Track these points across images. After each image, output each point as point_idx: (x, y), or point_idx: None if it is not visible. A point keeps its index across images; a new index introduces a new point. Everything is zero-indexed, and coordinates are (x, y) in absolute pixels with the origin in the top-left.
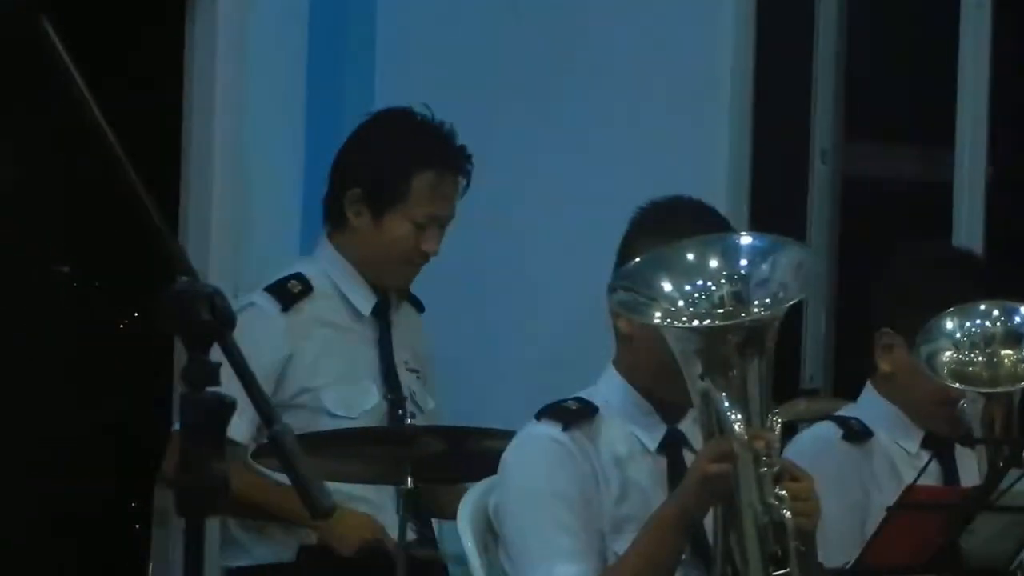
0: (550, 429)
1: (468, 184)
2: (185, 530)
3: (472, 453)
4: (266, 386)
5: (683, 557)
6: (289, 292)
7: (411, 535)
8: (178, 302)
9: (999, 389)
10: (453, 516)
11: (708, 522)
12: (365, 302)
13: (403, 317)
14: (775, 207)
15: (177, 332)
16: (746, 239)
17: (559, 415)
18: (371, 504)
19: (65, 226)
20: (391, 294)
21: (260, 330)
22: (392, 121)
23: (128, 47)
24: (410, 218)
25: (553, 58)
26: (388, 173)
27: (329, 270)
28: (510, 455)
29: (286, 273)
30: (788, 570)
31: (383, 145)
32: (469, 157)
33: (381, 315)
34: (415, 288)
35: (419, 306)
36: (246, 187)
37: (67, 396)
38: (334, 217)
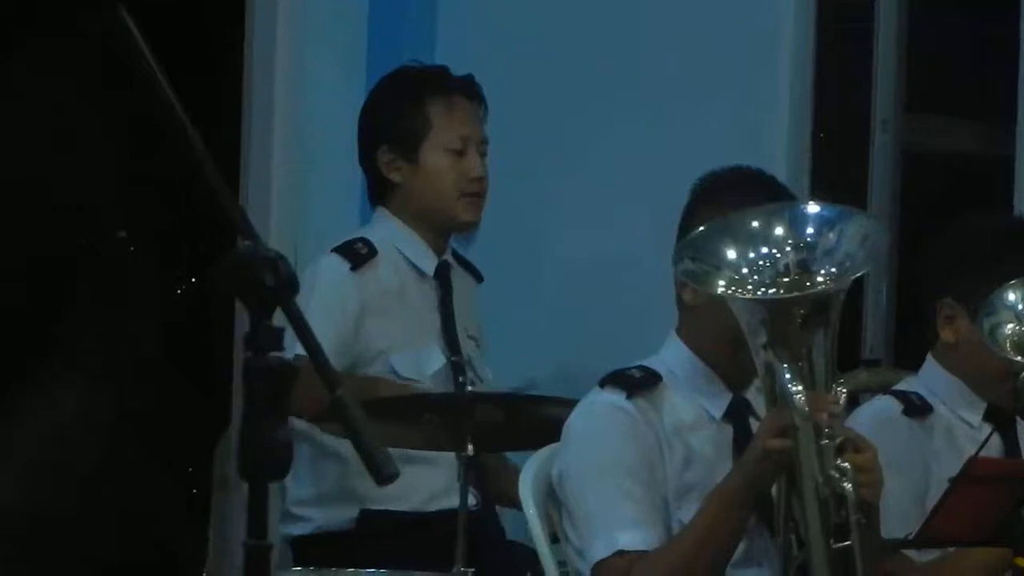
0: (614, 397)
1: (486, 110)
2: (249, 494)
3: (532, 421)
4: (341, 344)
5: (748, 526)
6: (357, 253)
7: (471, 501)
8: (241, 266)
9: None
10: (508, 503)
11: (774, 490)
12: (428, 262)
13: (462, 283)
14: (835, 179)
15: (240, 296)
16: (813, 208)
17: (623, 383)
18: (437, 467)
19: (122, 191)
20: (449, 257)
21: (334, 288)
22: (389, 77)
23: (190, 12)
24: (443, 147)
25: (613, 27)
26: (402, 115)
27: (389, 235)
28: (574, 423)
29: (350, 237)
30: (850, 542)
31: (389, 96)
32: (476, 83)
33: (443, 277)
34: (474, 259)
35: (478, 276)
36: (306, 156)
37: (127, 367)
38: (378, 186)
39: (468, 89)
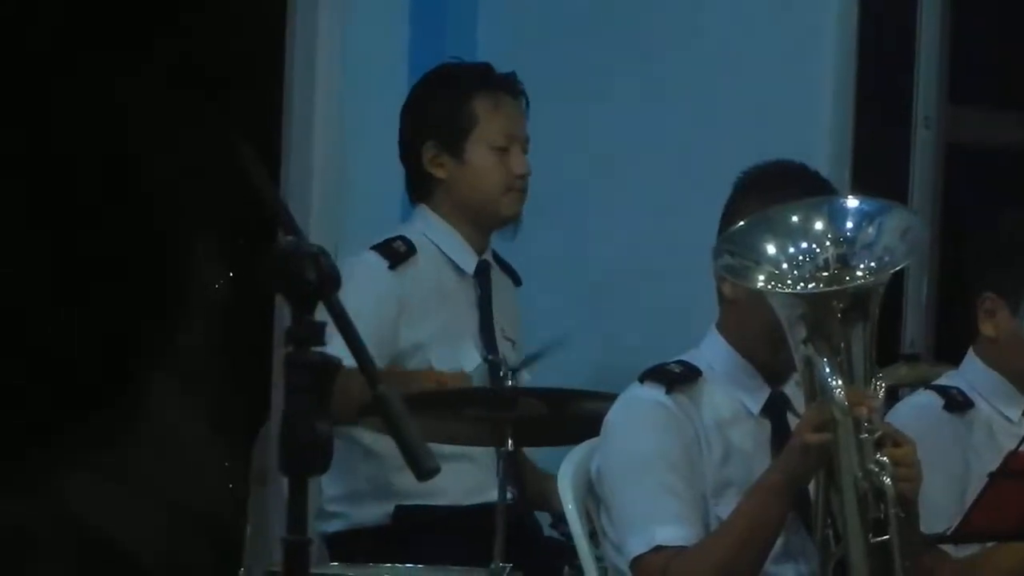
0: (654, 392)
1: (528, 107)
2: (289, 489)
3: (572, 416)
4: (380, 341)
5: (786, 522)
6: (396, 251)
7: (509, 496)
8: (283, 261)
9: None
10: (538, 506)
11: (812, 486)
12: (468, 260)
13: (501, 284)
14: (877, 172)
15: (283, 291)
16: (853, 202)
17: (663, 378)
18: (474, 462)
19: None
20: (489, 257)
21: (372, 285)
22: (433, 73)
23: (232, 8)
24: (488, 143)
25: (656, 18)
26: (449, 111)
27: (429, 232)
28: (613, 417)
29: (389, 235)
30: (888, 536)
31: (434, 92)
32: (519, 81)
33: (483, 276)
34: (514, 262)
35: (516, 279)
36: (347, 153)
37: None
38: (420, 183)
39: (512, 87)
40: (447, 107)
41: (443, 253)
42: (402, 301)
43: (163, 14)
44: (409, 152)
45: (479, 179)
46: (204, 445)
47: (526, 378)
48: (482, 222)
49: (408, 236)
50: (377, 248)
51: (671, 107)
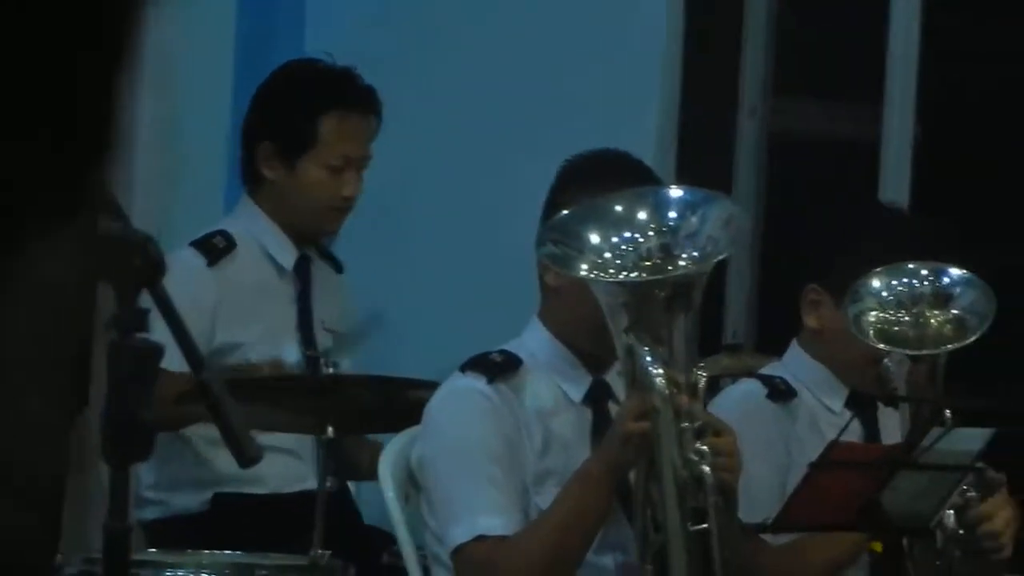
0: (475, 382)
1: (379, 124)
2: (111, 476)
3: (395, 403)
4: (197, 339)
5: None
6: (214, 247)
7: (329, 484)
8: (109, 247)
9: (924, 351)
10: (369, 476)
11: (632, 475)
12: (288, 257)
13: (322, 276)
14: (702, 162)
15: (108, 277)
16: (676, 192)
17: (484, 368)
18: (292, 454)
19: None
20: (311, 251)
21: (188, 283)
22: (293, 71)
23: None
24: (322, 163)
25: (479, 7)
26: (293, 121)
27: (251, 227)
28: (435, 407)
29: (210, 230)
30: (707, 525)
31: (285, 95)
32: (376, 97)
33: (302, 272)
34: (338, 249)
35: (338, 267)
36: (171, 143)
37: None
38: (251, 175)
39: (367, 105)
40: (291, 118)
41: (263, 249)
42: (220, 299)
43: None
44: (246, 141)
45: (305, 194)
46: (29, 427)
47: (345, 366)
48: (299, 231)
49: (229, 230)
50: (196, 244)
51: (495, 97)
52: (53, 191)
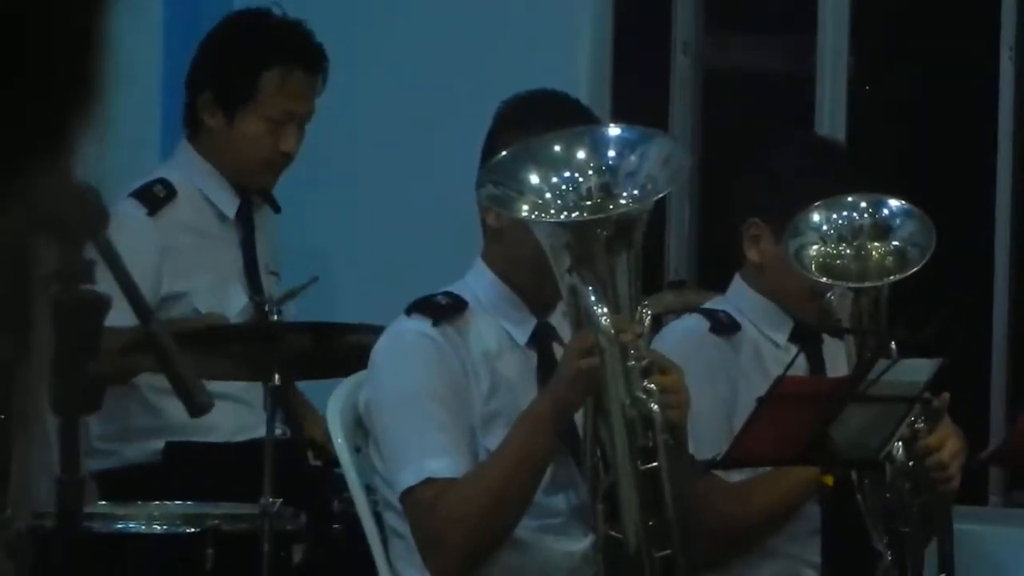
0: (420, 324)
1: (325, 81)
2: (61, 429)
3: (340, 349)
4: (143, 290)
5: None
6: (155, 196)
7: (280, 431)
8: (50, 197)
9: (866, 284)
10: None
11: (579, 416)
12: (229, 204)
13: (263, 219)
14: (637, 100)
15: (51, 229)
16: (614, 130)
17: (429, 310)
18: (239, 401)
19: None
20: (253, 196)
21: (130, 235)
22: (240, 22)
23: None
24: (262, 116)
25: None
26: (235, 73)
27: (191, 174)
28: (380, 350)
29: (149, 178)
30: (657, 463)
31: (230, 46)
32: (322, 54)
33: (245, 217)
34: (279, 193)
35: (276, 207)
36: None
37: None
38: (191, 121)
39: (313, 63)
40: (233, 70)
41: (204, 196)
42: (163, 249)
43: None
44: (189, 87)
45: (243, 146)
46: None
47: (292, 312)
48: (236, 180)
49: (168, 178)
50: (135, 195)
51: (432, 40)
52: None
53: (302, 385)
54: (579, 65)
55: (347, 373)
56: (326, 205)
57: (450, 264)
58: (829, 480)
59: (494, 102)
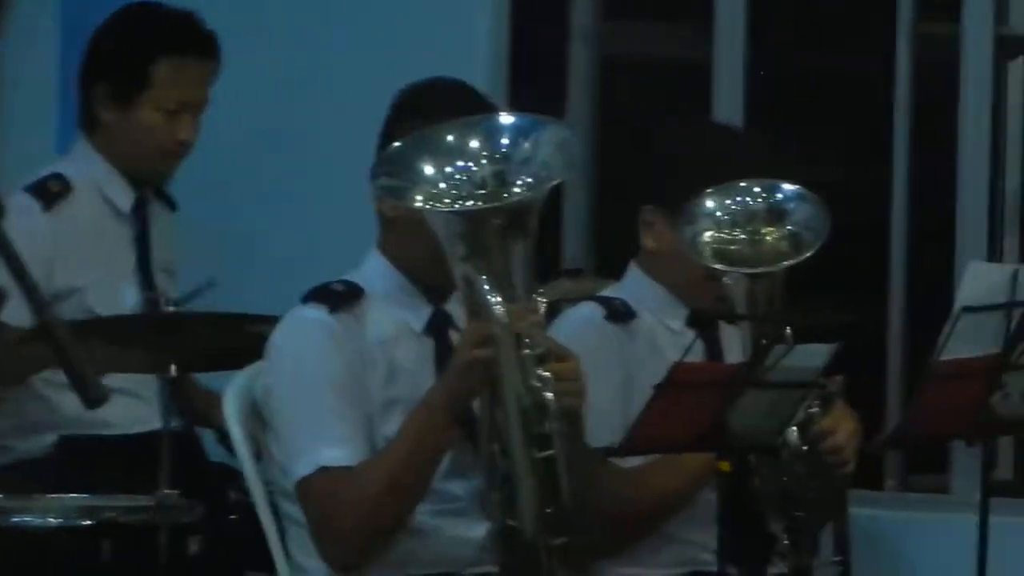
0: (317, 312)
1: (218, 68)
2: None
3: (237, 339)
4: None
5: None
6: (49, 191)
7: (175, 424)
8: None
9: (761, 269)
10: (208, 424)
11: (477, 403)
12: (124, 199)
13: (158, 216)
14: (534, 87)
15: None
16: (507, 119)
17: (326, 297)
18: (136, 396)
19: None
20: (148, 192)
21: (23, 229)
22: (131, 13)
23: None
24: (157, 106)
25: None
26: (128, 63)
27: (87, 169)
28: (277, 339)
29: (44, 173)
30: (553, 451)
31: (122, 37)
32: (215, 42)
33: (139, 213)
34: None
35: (172, 205)
36: None
37: None
38: (86, 116)
39: (204, 50)
40: (126, 61)
41: (100, 191)
42: (56, 244)
43: None
44: (83, 81)
45: (139, 138)
46: None
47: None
48: (135, 173)
49: (64, 173)
50: (30, 189)
51: (327, 29)
52: None
53: (203, 377)
54: (476, 52)
55: (245, 364)
56: (223, 198)
57: (347, 253)
58: (726, 466)
59: (391, 90)
